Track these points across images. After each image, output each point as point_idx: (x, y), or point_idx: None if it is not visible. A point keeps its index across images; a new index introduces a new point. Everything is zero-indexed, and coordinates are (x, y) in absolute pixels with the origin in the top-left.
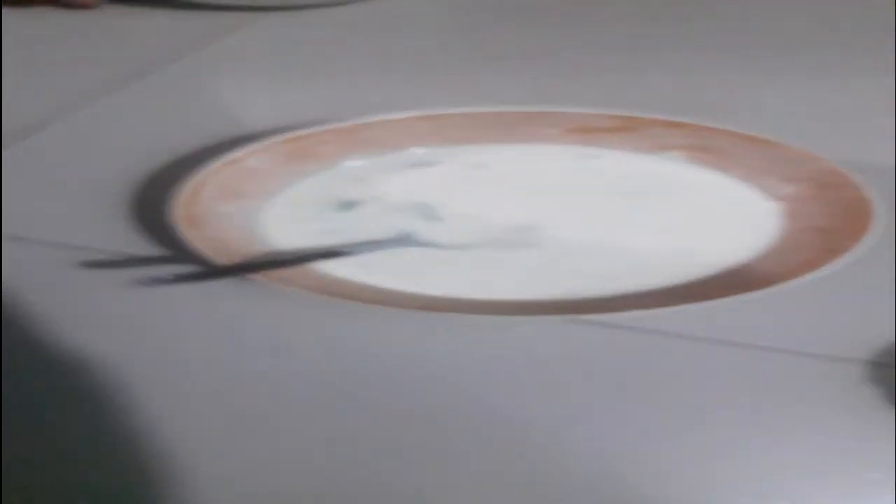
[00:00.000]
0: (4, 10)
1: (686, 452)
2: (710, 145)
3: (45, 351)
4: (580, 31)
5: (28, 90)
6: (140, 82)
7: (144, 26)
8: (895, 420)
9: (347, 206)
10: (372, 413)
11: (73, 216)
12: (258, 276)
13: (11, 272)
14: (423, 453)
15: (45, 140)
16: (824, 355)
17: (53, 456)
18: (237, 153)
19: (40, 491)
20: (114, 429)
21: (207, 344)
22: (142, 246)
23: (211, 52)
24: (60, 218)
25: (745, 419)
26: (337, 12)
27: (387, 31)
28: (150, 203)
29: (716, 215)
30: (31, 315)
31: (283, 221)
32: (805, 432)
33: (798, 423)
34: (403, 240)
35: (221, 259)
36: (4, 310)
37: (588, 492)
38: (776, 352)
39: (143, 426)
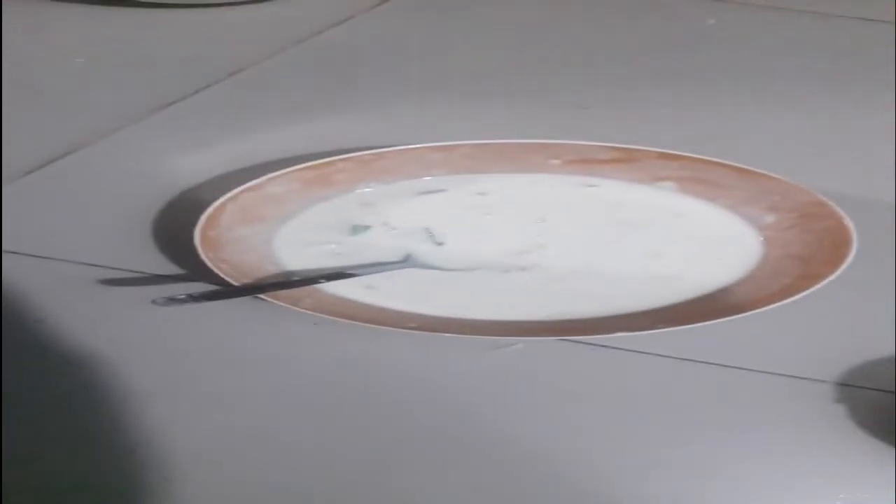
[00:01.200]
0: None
1: (667, 467)
2: (700, 176)
3: (64, 365)
4: (581, 69)
5: (55, 114)
6: (165, 110)
7: (165, 52)
8: (869, 437)
9: (359, 230)
10: (371, 427)
11: (96, 237)
12: (268, 296)
13: (34, 288)
14: (418, 467)
15: (72, 163)
16: (799, 376)
17: (67, 465)
18: (257, 180)
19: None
20: (127, 439)
21: (218, 359)
22: (162, 266)
23: (234, 82)
24: (83, 238)
25: (727, 437)
26: (348, 44)
27: (400, 68)
28: (172, 225)
29: (702, 243)
30: (52, 330)
31: (298, 244)
32: (781, 450)
33: (775, 442)
34: (407, 262)
35: (235, 279)
36: (25, 324)
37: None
38: (754, 372)
39: (156, 438)
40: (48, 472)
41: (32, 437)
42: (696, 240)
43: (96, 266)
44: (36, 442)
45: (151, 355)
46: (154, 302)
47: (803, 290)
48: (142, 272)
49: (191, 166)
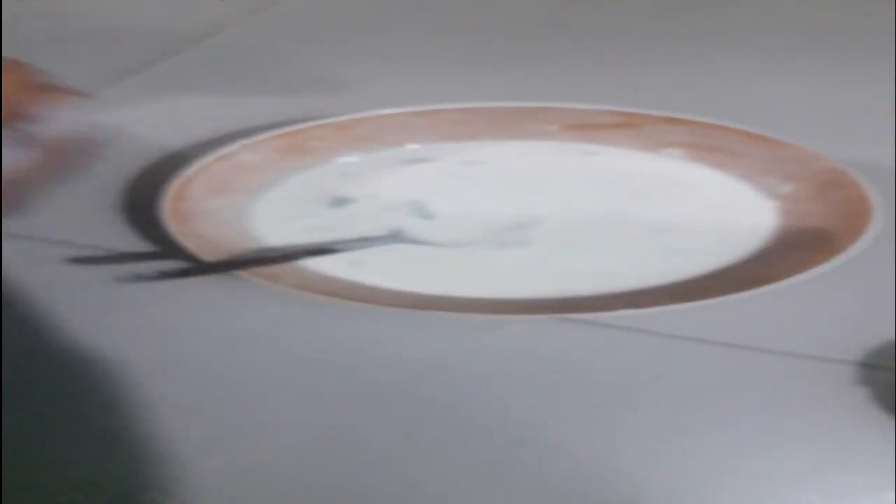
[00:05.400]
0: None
1: (676, 452)
2: (710, 143)
3: (31, 345)
4: (579, 25)
5: None
6: (133, 77)
7: (136, 21)
8: (893, 422)
9: (340, 202)
10: (359, 410)
11: (62, 212)
12: (245, 273)
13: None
14: (411, 450)
15: None
16: (818, 357)
17: (44, 445)
18: (229, 148)
19: (26, 478)
20: (100, 420)
21: (194, 340)
22: (131, 242)
23: (204, 48)
24: (49, 214)
25: (740, 421)
26: (328, 4)
27: (384, 24)
28: (140, 198)
29: (714, 214)
30: (19, 310)
31: (274, 218)
32: (798, 434)
33: (791, 425)
34: (394, 237)
35: (209, 255)
36: None
37: (576, 489)
38: (769, 353)
39: (128, 419)
40: (26, 449)
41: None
42: (706, 211)
43: (63, 243)
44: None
45: (123, 337)
46: (122, 279)
47: (822, 264)
48: (112, 249)
49: (162, 136)
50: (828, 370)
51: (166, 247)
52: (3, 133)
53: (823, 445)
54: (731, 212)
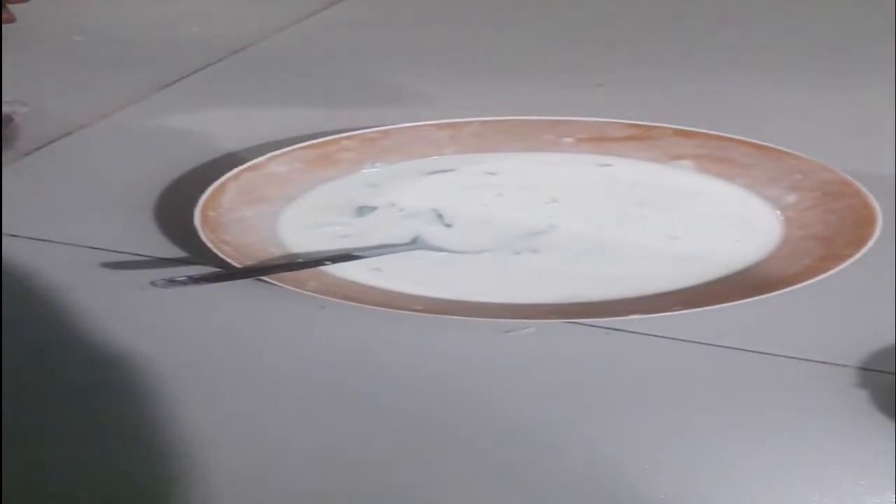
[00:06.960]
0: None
1: (679, 452)
2: (719, 154)
3: (65, 347)
4: (595, 43)
5: (57, 94)
6: (167, 89)
7: (166, 31)
8: (893, 424)
9: (365, 211)
10: (378, 411)
11: (99, 219)
12: (272, 278)
13: (37, 271)
14: (425, 452)
15: (72, 144)
16: (820, 360)
17: (69, 447)
18: (259, 159)
19: (57, 476)
20: (128, 424)
21: (223, 341)
22: (164, 248)
23: (235, 61)
24: (85, 220)
25: (745, 422)
26: (354, 19)
27: (407, 41)
28: (173, 207)
29: (720, 223)
30: (54, 312)
31: (302, 226)
32: (801, 436)
33: (793, 427)
34: (415, 244)
35: (238, 261)
36: (28, 306)
37: (585, 488)
38: (773, 356)
39: (157, 421)
40: (46, 455)
41: (33, 420)
42: (713, 220)
43: (98, 249)
44: (35, 425)
45: (154, 339)
46: (153, 284)
47: (825, 271)
48: (145, 255)
49: (193, 146)
50: (830, 373)
51: (198, 253)
52: None
53: (824, 446)
54: (737, 220)
